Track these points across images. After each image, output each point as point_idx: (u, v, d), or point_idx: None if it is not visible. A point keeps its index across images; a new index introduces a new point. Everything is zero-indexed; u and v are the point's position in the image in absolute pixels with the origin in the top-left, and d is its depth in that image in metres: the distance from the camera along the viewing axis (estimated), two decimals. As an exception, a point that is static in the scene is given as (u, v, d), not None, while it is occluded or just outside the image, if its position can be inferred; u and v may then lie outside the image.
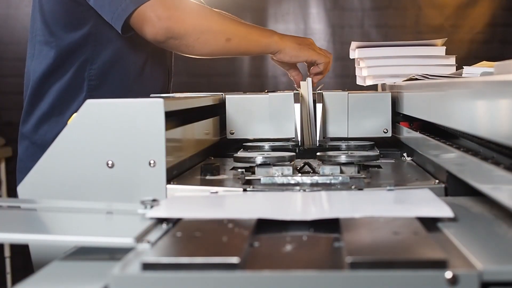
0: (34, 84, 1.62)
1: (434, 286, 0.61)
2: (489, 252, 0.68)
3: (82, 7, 1.55)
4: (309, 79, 1.46)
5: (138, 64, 1.67)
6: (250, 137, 1.51)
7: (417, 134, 1.30)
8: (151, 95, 1.53)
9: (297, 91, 1.50)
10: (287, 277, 0.63)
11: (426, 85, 1.25)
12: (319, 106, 1.44)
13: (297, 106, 1.44)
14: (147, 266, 0.64)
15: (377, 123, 1.49)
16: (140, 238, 0.75)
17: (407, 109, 1.41)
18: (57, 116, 1.61)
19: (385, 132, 1.48)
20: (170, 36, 1.51)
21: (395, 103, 1.50)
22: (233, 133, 1.50)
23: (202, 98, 1.41)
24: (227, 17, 1.67)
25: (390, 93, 1.50)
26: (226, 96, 1.51)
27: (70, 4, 1.56)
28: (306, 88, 1.46)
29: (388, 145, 1.55)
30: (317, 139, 1.42)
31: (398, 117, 1.51)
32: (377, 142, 1.45)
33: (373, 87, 1.94)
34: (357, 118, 1.49)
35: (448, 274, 0.61)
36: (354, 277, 0.62)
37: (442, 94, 1.06)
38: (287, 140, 1.47)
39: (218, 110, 1.52)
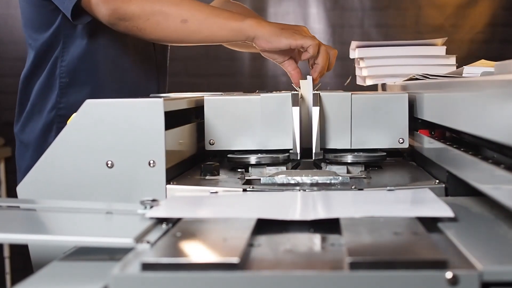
0: (20, 86, 1.66)
1: (434, 286, 0.61)
2: (489, 252, 0.68)
3: (50, 6, 1.57)
4: (310, 77, 1.26)
5: (109, 60, 1.64)
6: (235, 148, 1.24)
7: (443, 146, 1.05)
8: (151, 95, 1.53)
9: (295, 92, 1.26)
10: (287, 277, 0.63)
11: (457, 84, 0.98)
12: (315, 110, 1.19)
13: (296, 110, 1.19)
14: (146, 266, 0.64)
15: (391, 132, 1.22)
16: (139, 238, 0.75)
17: (429, 114, 1.16)
18: (37, 115, 1.63)
19: (400, 143, 1.22)
20: (119, 17, 1.42)
21: (413, 106, 1.26)
22: (213, 144, 1.23)
23: (202, 98, 1.41)
24: None
25: (407, 94, 1.24)
26: (205, 98, 1.25)
27: (39, 4, 1.57)
28: (307, 87, 1.26)
29: (398, 154, 1.37)
30: (313, 151, 1.18)
31: (413, 124, 1.26)
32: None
33: (373, 87, 1.94)
34: (365, 125, 1.23)
35: (449, 275, 0.61)
36: (354, 277, 0.62)
37: (477, 95, 0.83)
38: (283, 152, 1.22)
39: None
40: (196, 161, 1.27)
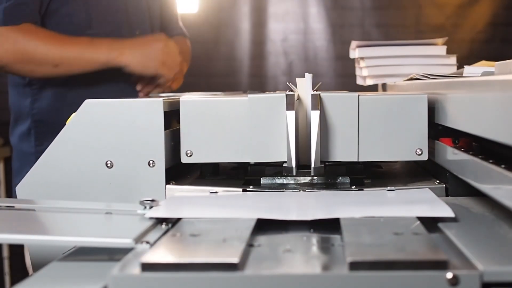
0: (9, 87, 1.76)
1: (435, 286, 0.61)
2: (490, 253, 0.68)
3: None
4: (309, 75, 1.08)
5: None
6: (217, 161, 1.07)
7: (469, 157, 0.88)
8: (150, 95, 1.53)
9: (291, 92, 1.06)
10: (287, 278, 0.63)
11: (491, 83, 0.79)
12: (315, 115, 0.99)
13: (291, 115, 0.99)
14: (146, 267, 0.64)
15: (407, 141, 1.02)
16: (139, 239, 0.75)
17: (454, 120, 0.96)
18: (19, 120, 1.72)
19: (418, 154, 1.02)
20: None
21: (433, 110, 1.07)
22: (190, 155, 1.04)
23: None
24: (55, 41, 1.62)
25: (426, 95, 1.03)
26: (181, 99, 1.05)
27: None
28: (305, 87, 1.09)
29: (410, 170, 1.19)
30: (312, 165, 0.98)
31: (433, 131, 1.06)
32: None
33: (373, 88, 1.93)
34: (375, 133, 1.03)
35: (449, 275, 0.61)
36: (354, 277, 0.62)
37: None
38: (275, 166, 1.08)
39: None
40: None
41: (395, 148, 1.03)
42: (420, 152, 1.02)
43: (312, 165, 0.98)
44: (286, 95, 1.02)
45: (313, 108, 0.99)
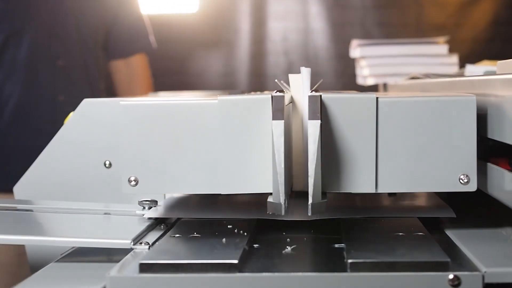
0: None
1: (436, 288, 0.60)
2: (492, 254, 0.68)
3: None
4: (306, 69, 0.81)
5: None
6: (173, 191, 0.80)
7: None
8: (150, 94, 1.52)
9: (280, 93, 0.72)
10: (286, 279, 0.62)
11: None
12: (313, 126, 0.69)
13: (279, 126, 0.69)
14: (144, 268, 0.64)
15: (447, 164, 0.71)
16: (138, 240, 0.74)
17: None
18: None
19: (463, 183, 0.72)
20: None
21: (484, 119, 0.76)
22: (135, 184, 0.75)
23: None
24: None
25: (474, 97, 0.71)
26: (121, 103, 0.75)
27: None
28: (300, 85, 0.82)
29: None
30: (310, 200, 0.68)
31: (482, 149, 0.75)
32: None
33: (373, 88, 1.93)
34: (401, 152, 0.72)
35: (451, 276, 0.60)
36: (355, 278, 0.62)
37: None
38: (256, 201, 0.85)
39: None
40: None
41: (429, 174, 0.72)
42: (466, 180, 0.71)
43: (310, 200, 0.68)
44: (272, 96, 0.71)
45: (312, 116, 0.70)
